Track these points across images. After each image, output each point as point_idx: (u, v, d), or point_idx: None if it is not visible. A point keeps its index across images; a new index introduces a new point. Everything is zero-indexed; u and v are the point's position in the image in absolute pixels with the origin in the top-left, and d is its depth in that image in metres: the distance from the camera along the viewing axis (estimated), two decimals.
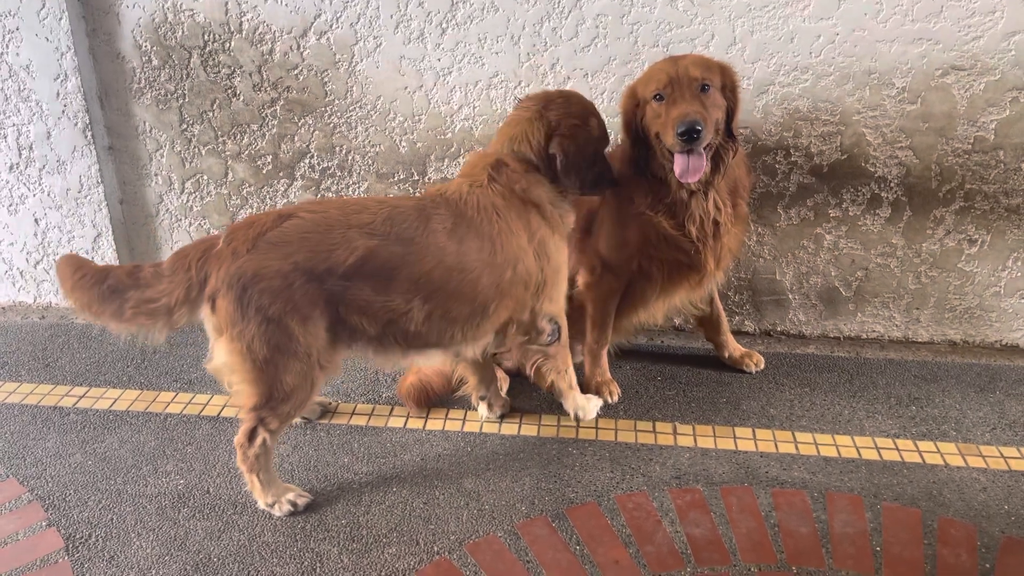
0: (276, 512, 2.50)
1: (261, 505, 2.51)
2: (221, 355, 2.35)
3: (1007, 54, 3.00)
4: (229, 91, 3.58)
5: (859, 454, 2.77)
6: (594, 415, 2.91)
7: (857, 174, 3.28)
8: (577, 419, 2.92)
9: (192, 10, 3.45)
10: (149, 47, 3.55)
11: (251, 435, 2.42)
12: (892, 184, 3.27)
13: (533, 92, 2.72)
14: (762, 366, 3.32)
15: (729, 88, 2.73)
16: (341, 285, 2.31)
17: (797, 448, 2.81)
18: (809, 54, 3.12)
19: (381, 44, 3.39)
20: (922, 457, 2.75)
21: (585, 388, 3.12)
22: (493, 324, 2.58)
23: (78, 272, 2.36)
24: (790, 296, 3.56)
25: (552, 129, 2.58)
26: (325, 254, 2.29)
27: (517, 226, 2.50)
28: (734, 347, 3.35)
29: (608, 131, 2.74)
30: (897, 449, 2.80)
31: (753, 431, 2.91)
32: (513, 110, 2.70)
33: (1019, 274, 3.33)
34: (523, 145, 2.59)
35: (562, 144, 2.56)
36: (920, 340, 3.54)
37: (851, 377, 3.28)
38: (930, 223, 3.31)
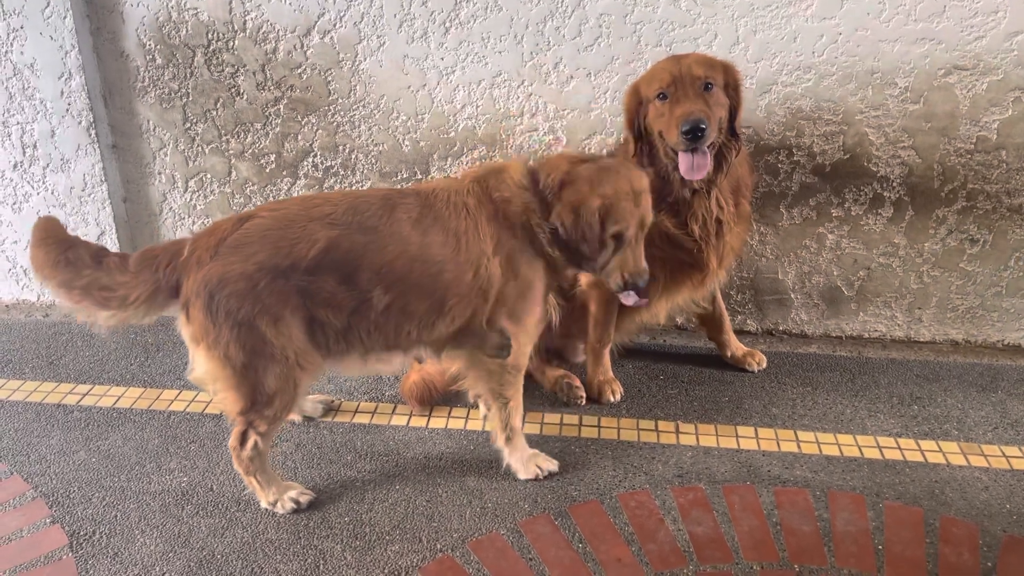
0: (279, 510, 2.51)
1: (264, 505, 2.52)
2: (201, 364, 2.35)
3: (1010, 54, 3.00)
4: (233, 90, 3.59)
5: (861, 453, 2.77)
6: (529, 476, 2.65)
7: (859, 174, 3.28)
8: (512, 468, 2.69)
9: (196, 9, 3.46)
10: (153, 46, 3.56)
11: (242, 439, 2.43)
12: (894, 184, 3.27)
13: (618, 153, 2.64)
14: (764, 365, 3.32)
15: (732, 87, 2.74)
16: (306, 279, 2.29)
17: (799, 447, 2.81)
18: (812, 53, 3.13)
19: (385, 43, 3.39)
20: (924, 456, 2.76)
21: (588, 387, 3.13)
22: (448, 326, 2.47)
23: (46, 232, 2.35)
24: (792, 295, 3.56)
25: (567, 182, 2.41)
26: (287, 249, 2.27)
27: (485, 230, 2.40)
28: (736, 346, 3.36)
29: (649, 213, 2.49)
30: (899, 448, 2.80)
31: (755, 430, 2.92)
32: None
33: (1021, 274, 3.34)
34: (543, 171, 2.46)
35: (561, 218, 2.40)
36: (922, 340, 3.54)
37: (853, 376, 3.28)
38: (932, 223, 3.31)
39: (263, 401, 2.35)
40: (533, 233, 2.44)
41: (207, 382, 2.39)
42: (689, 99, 2.63)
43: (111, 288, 2.30)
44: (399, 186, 3.63)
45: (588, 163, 2.46)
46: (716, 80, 2.68)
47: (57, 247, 2.32)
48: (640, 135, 2.81)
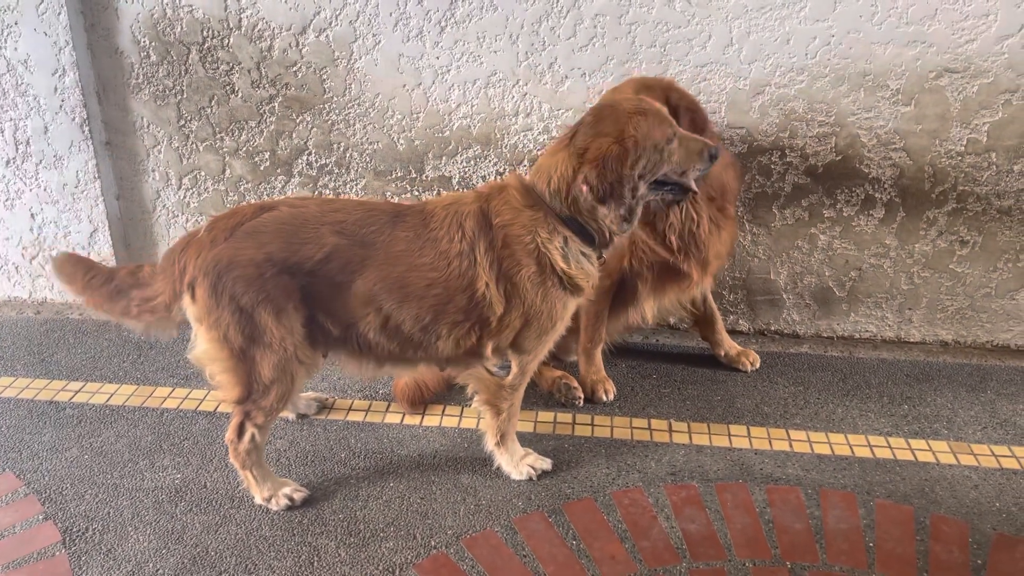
0: (273, 507, 2.51)
1: (258, 500, 2.52)
2: (201, 344, 2.37)
3: (1000, 57, 3.03)
4: (227, 87, 3.58)
5: (852, 452, 2.79)
6: (522, 477, 2.66)
7: (851, 175, 3.30)
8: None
9: (191, 6, 3.46)
10: (148, 43, 3.55)
11: (240, 431, 2.44)
12: (886, 185, 3.30)
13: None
14: (758, 365, 3.34)
15: (685, 109, 2.76)
16: (308, 280, 2.30)
17: (791, 446, 2.83)
18: (805, 55, 3.15)
19: (380, 42, 3.40)
20: (914, 455, 2.78)
21: (581, 386, 3.14)
22: (453, 348, 2.43)
23: (89, 273, 2.43)
24: (784, 296, 3.59)
25: (580, 161, 2.30)
26: (296, 247, 2.29)
27: (483, 256, 2.33)
28: (730, 345, 3.37)
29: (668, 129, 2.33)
30: (890, 447, 2.82)
31: (747, 428, 2.93)
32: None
33: (1010, 275, 3.37)
34: (540, 179, 2.37)
35: (586, 178, 2.28)
36: (912, 340, 3.57)
37: (844, 376, 3.31)
38: (923, 224, 3.34)
39: (259, 390, 2.37)
40: (542, 255, 2.35)
41: (204, 362, 2.41)
42: None
43: (152, 298, 2.40)
44: (394, 185, 3.64)
45: (579, 132, 2.35)
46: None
47: (103, 282, 2.44)
48: None
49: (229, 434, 2.45)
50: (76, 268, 2.45)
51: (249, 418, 2.41)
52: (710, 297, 3.32)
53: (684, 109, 2.76)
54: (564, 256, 2.37)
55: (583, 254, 2.41)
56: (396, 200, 3.58)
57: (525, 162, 3.48)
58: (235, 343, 2.30)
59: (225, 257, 2.27)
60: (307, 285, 2.31)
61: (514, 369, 2.51)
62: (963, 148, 3.19)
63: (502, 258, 2.34)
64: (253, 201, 3.62)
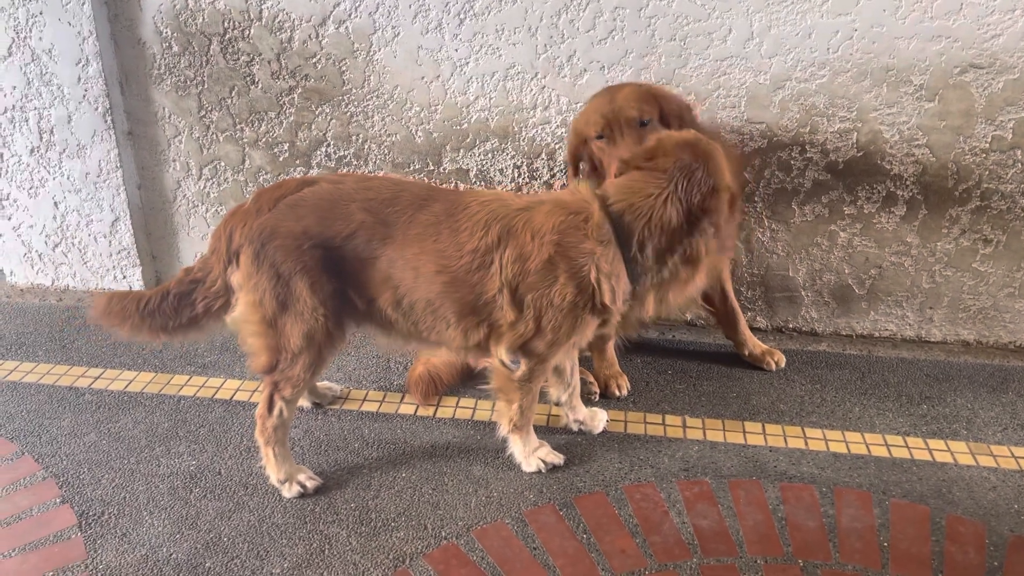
0: (286, 492, 2.53)
1: (273, 480, 2.54)
2: (238, 307, 2.45)
3: None
4: (248, 78, 3.60)
5: (869, 451, 2.76)
6: (532, 470, 2.65)
7: (873, 171, 3.26)
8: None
9: None
10: (170, 33, 3.58)
11: (270, 404, 2.49)
12: (908, 182, 3.25)
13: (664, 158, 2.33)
14: (783, 364, 3.29)
15: (675, 115, 2.76)
16: (337, 254, 2.37)
17: (806, 443, 2.81)
18: (827, 50, 3.11)
19: (399, 34, 3.40)
20: (932, 455, 2.75)
21: (595, 381, 3.13)
22: (462, 339, 2.44)
23: (141, 300, 2.49)
24: (803, 293, 3.55)
25: (685, 210, 2.27)
26: (329, 222, 2.36)
27: (509, 266, 2.30)
28: (754, 344, 3.33)
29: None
30: (907, 447, 2.79)
31: (763, 426, 2.91)
32: (633, 170, 2.36)
33: None
34: (635, 218, 2.28)
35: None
36: (933, 339, 3.52)
37: (863, 375, 3.27)
38: (945, 222, 3.29)
39: (287, 359, 2.42)
40: (586, 283, 2.29)
41: (239, 323, 2.48)
42: (625, 142, 2.71)
43: (215, 282, 2.47)
44: (411, 178, 3.64)
45: (679, 180, 2.26)
46: (652, 114, 2.75)
47: (160, 300, 2.50)
48: (579, 166, 2.94)
49: (260, 408, 2.51)
50: (124, 302, 2.50)
51: (278, 390, 2.47)
52: (731, 296, 3.28)
53: (674, 117, 2.79)
54: (612, 291, 2.32)
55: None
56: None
57: (543, 156, 3.47)
58: (269, 308, 2.38)
59: (268, 227, 2.36)
60: (338, 259, 2.37)
61: (523, 367, 2.49)
62: (988, 145, 3.14)
63: (531, 271, 2.30)
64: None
